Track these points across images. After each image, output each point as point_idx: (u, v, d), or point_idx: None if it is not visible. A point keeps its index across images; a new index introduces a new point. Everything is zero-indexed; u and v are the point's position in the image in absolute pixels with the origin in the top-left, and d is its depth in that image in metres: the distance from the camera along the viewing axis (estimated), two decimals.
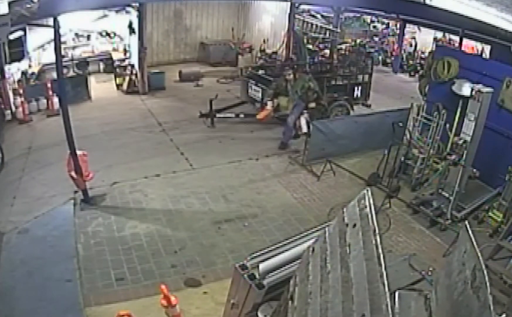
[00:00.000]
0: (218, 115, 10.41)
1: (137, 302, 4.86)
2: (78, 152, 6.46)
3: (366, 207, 2.11)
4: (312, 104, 9.65)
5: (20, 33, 10.22)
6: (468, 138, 6.47)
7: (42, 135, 9.45)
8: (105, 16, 13.20)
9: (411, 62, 17.52)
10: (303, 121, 9.28)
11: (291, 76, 9.91)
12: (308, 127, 9.08)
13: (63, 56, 10.86)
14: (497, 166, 7.06)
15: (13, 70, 10.64)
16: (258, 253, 3.43)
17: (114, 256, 5.67)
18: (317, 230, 3.42)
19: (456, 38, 13.23)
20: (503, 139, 7.18)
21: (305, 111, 9.42)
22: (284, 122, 9.61)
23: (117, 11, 12.86)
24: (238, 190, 7.54)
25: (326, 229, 2.51)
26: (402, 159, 7.93)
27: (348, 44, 17.42)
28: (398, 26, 17.88)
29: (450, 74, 7.86)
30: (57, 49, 6.13)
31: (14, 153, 8.47)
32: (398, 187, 7.69)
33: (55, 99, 10.46)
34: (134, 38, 12.59)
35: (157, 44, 15.54)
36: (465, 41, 12.41)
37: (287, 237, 3.74)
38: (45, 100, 10.75)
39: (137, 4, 11.73)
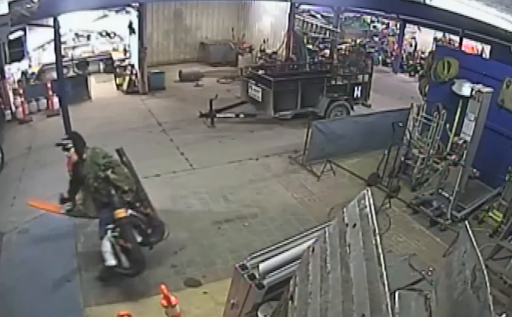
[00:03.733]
0: (218, 115, 10.43)
1: (137, 302, 4.86)
2: None
3: (366, 207, 2.11)
4: (121, 213, 4.90)
5: (20, 33, 10.25)
6: (468, 138, 6.48)
7: (42, 135, 9.44)
8: (105, 16, 13.23)
9: (411, 62, 17.52)
10: (106, 245, 4.90)
11: (73, 149, 5.20)
12: (117, 256, 4.87)
13: (63, 56, 10.84)
14: (497, 166, 7.05)
15: (13, 70, 10.66)
16: (258, 253, 3.44)
17: None
18: (317, 230, 3.42)
19: (456, 38, 13.23)
20: (503, 139, 7.17)
21: (110, 226, 4.93)
22: None
23: (117, 11, 12.88)
24: (238, 190, 7.54)
25: (326, 229, 2.51)
26: (402, 159, 7.93)
27: (348, 44, 17.45)
28: (398, 26, 17.88)
29: (450, 74, 7.86)
30: (57, 49, 6.16)
31: (14, 153, 8.46)
32: (398, 187, 7.68)
33: (55, 99, 10.47)
34: (134, 38, 12.61)
35: (157, 44, 15.55)
36: (465, 41, 12.43)
37: (287, 237, 3.74)
38: (45, 100, 10.77)
39: (137, 4, 11.75)
